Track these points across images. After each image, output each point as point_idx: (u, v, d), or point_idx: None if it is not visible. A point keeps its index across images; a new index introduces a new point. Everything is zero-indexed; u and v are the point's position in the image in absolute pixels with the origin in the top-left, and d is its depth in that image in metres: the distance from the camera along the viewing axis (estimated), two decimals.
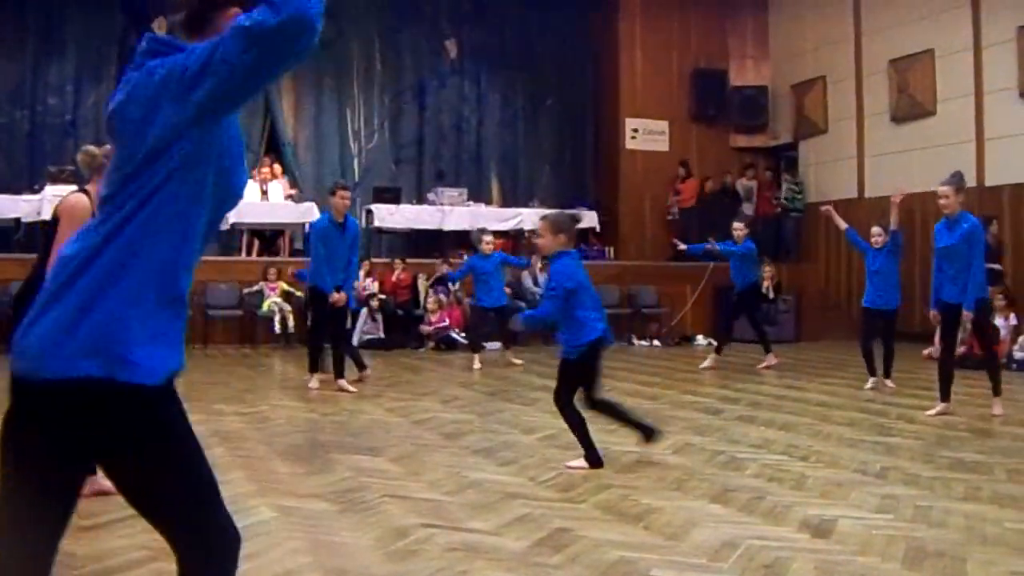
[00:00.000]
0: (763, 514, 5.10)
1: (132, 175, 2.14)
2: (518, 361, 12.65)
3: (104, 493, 4.60)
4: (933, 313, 8.68)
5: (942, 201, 8.38)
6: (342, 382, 9.79)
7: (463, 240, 16.88)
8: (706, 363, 12.56)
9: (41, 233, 11.74)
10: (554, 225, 6.37)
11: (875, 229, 10.28)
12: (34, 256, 14.97)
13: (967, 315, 8.28)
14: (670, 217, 18.92)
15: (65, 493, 2.22)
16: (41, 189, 14.90)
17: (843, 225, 10.90)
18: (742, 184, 19.17)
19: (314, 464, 6.36)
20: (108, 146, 5.27)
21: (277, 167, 16.97)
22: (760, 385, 10.88)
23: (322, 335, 10.06)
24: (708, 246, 12.90)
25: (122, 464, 2.18)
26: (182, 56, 2.15)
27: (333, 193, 9.80)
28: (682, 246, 13.76)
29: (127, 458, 2.16)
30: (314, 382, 9.90)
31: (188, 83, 2.11)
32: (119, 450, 2.14)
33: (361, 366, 10.61)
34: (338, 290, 9.60)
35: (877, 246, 10.25)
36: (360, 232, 10.58)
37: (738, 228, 12.60)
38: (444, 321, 14.91)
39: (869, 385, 10.30)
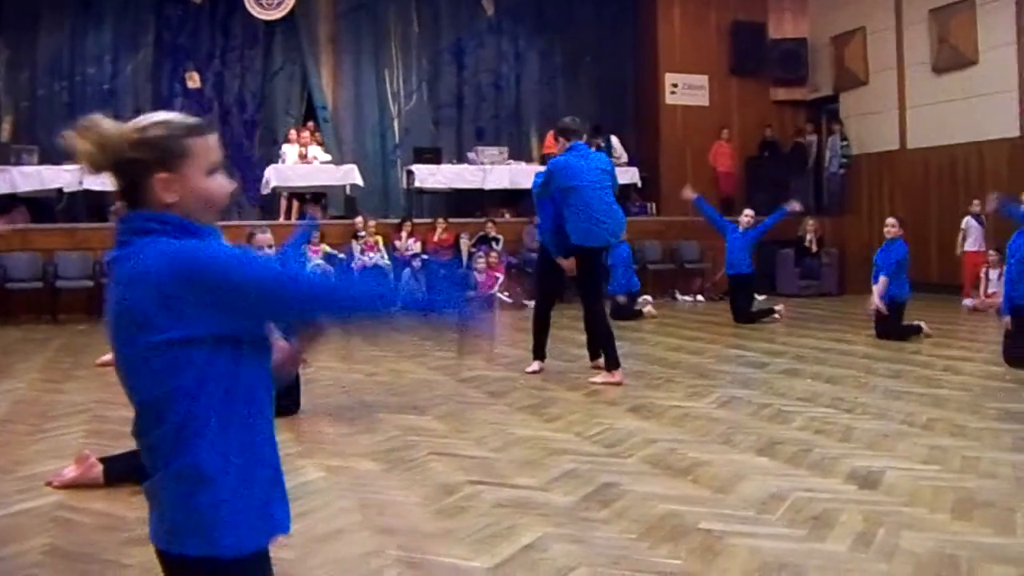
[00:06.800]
0: (810, 466, 5.10)
1: None
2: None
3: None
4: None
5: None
6: None
7: (504, 199, 16.88)
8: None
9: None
10: None
11: (890, 220, 10.73)
12: (76, 225, 14.92)
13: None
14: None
15: None
16: None
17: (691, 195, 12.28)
18: (806, 139, 19.09)
19: (360, 424, 6.43)
20: None
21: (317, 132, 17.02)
22: (804, 339, 10.81)
23: None
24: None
25: None
26: None
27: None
28: (691, 194, 12.79)
29: None
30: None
31: None
32: None
33: None
34: None
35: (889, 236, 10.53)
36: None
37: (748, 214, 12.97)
38: (496, 278, 14.90)
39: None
